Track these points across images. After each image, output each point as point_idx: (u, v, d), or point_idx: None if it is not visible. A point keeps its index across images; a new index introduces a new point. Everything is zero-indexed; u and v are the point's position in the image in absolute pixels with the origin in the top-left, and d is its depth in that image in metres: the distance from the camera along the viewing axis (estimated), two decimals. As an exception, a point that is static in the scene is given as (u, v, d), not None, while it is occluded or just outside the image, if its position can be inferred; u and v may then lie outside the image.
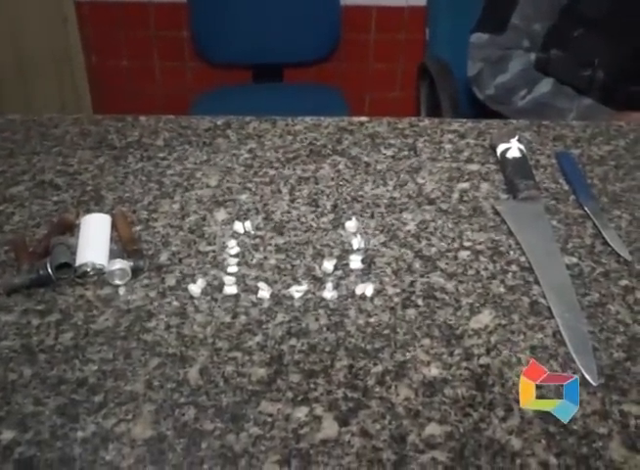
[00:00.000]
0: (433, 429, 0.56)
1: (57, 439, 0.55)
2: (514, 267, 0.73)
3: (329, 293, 0.68)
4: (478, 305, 0.68)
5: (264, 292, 0.68)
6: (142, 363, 0.61)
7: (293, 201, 0.82)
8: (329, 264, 0.71)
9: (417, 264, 0.73)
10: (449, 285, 0.70)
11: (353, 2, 2.13)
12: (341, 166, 0.88)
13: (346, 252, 0.74)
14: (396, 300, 0.68)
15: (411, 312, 0.67)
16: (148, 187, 0.84)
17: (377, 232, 0.77)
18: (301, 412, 0.57)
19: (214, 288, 0.69)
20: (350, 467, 0.53)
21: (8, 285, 0.68)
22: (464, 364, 0.62)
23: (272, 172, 0.87)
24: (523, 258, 0.74)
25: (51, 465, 0.53)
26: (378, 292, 0.69)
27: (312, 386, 0.60)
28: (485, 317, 0.67)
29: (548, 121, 1.00)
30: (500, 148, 0.89)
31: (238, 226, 0.77)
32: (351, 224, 0.77)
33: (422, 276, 0.71)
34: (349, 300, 0.68)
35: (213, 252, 0.74)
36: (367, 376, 0.61)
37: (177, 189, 0.84)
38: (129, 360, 0.62)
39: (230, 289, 0.69)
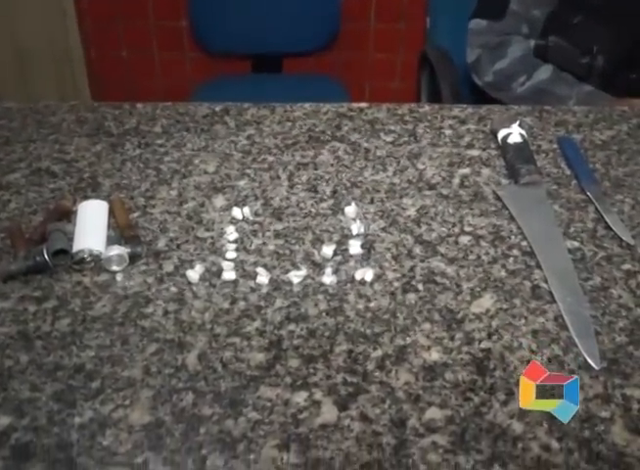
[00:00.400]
0: (433, 413, 0.56)
1: (54, 424, 0.54)
2: (515, 252, 0.72)
3: (328, 278, 0.68)
4: (479, 289, 0.67)
5: (263, 277, 0.68)
6: (140, 349, 0.61)
7: (292, 187, 0.81)
8: (328, 250, 0.71)
9: (417, 249, 0.72)
10: (450, 270, 0.70)
11: (353, -9, 2.12)
12: (340, 152, 0.87)
13: (346, 237, 0.73)
14: (396, 284, 0.68)
15: (411, 297, 0.66)
16: (145, 174, 0.83)
17: (377, 217, 0.76)
18: (300, 397, 0.57)
19: (213, 274, 0.69)
20: (350, 451, 0.53)
21: (4, 272, 0.67)
22: (465, 349, 0.61)
23: (271, 158, 0.86)
24: (524, 243, 0.73)
25: (48, 451, 0.53)
26: (378, 277, 0.69)
27: (311, 371, 0.59)
28: (487, 301, 0.66)
29: (549, 107, 0.99)
30: (501, 133, 0.88)
31: (236, 212, 0.76)
32: (351, 210, 0.76)
33: (422, 261, 0.71)
34: (349, 285, 0.68)
35: (212, 238, 0.73)
36: (367, 361, 0.60)
37: (175, 176, 0.83)
38: (127, 346, 0.61)
39: (228, 275, 0.68)
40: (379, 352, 0.61)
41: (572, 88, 1.38)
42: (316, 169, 0.84)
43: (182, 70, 2.28)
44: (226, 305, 0.65)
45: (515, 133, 0.86)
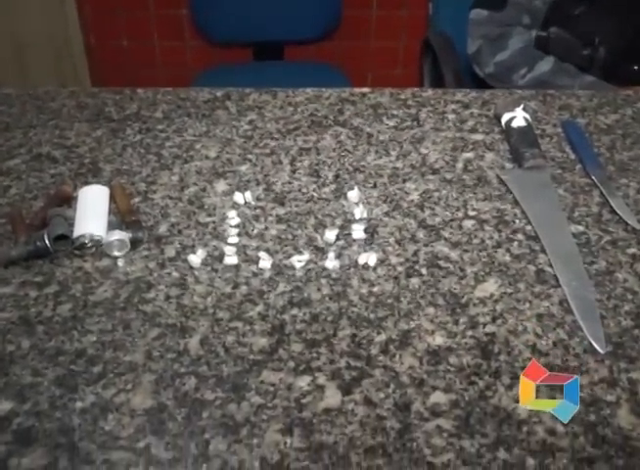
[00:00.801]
0: (437, 397, 0.55)
1: (56, 409, 0.54)
2: (519, 236, 0.71)
3: (331, 262, 0.67)
4: (483, 273, 0.67)
5: (265, 262, 0.67)
6: (141, 334, 0.60)
7: (294, 171, 0.81)
8: (331, 234, 0.70)
9: (421, 234, 0.72)
10: (454, 254, 0.69)
11: (354, -22, 2.10)
12: (342, 137, 0.87)
13: (349, 221, 0.73)
14: (400, 269, 0.67)
15: (415, 281, 0.66)
16: (146, 159, 0.82)
17: (380, 202, 0.76)
18: (304, 381, 0.56)
19: (215, 258, 0.68)
20: (354, 436, 0.52)
21: (5, 257, 0.67)
22: (469, 333, 0.61)
23: (273, 143, 0.85)
24: (528, 227, 0.72)
25: (50, 435, 0.52)
26: (381, 261, 0.68)
27: (315, 355, 0.58)
28: (491, 286, 0.65)
29: (553, 91, 0.98)
30: (505, 117, 0.87)
31: (238, 197, 0.76)
32: (354, 194, 0.76)
33: (426, 245, 0.70)
34: (352, 269, 0.67)
35: (213, 223, 0.73)
36: (370, 345, 0.59)
37: (176, 161, 0.82)
38: (128, 331, 0.61)
39: (230, 259, 0.68)
40: (382, 337, 0.60)
41: (574, 79, 1.37)
42: (318, 154, 0.83)
43: (183, 58, 2.27)
44: (228, 290, 0.65)
45: (519, 117, 0.86)
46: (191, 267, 0.67)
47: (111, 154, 0.83)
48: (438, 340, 0.60)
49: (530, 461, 0.51)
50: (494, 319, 0.62)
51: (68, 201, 0.74)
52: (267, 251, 0.69)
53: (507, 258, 0.69)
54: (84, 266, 0.67)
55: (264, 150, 0.84)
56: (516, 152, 0.82)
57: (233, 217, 0.73)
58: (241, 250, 0.69)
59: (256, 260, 0.67)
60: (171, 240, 0.70)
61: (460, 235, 0.71)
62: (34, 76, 2.15)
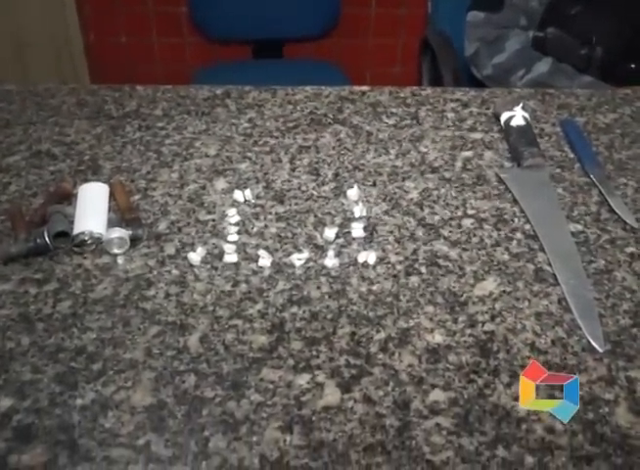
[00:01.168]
0: (436, 395, 0.55)
1: (55, 406, 0.54)
2: (518, 235, 0.72)
3: (330, 261, 0.67)
4: (482, 272, 0.67)
5: (265, 260, 0.67)
6: (141, 331, 0.61)
7: (293, 170, 0.81)
8: (330, 232, 0.70)
9: (420, 232, 0.72)
10: (453, 253, 0.69)
11: (353, -24, 2.10)
12: (342, 135, 0.87)
13: (348, 220, 0.73)
14: (399, 267, 0.67)
15: (414, 280, 0.66)
16: (146, 156, 0.82)
17: (379, 200, 0.76)
18: (303, 379, 0.56)
19: (214, 256, 0.68)
20: (353, 433, 0.53)
21: (5, 254, 0.67)
22: (468, 331, 0.61)
23: (272, 142, 0.85)
24: (527, 226, 0.73)
25: (49, 432, 0.52)
26: (380, 260, 0.68)
27: (314, 353, 0.59)
28: (490, 284, 0.66)
29: (552, 90, 0.98)
30: (504, 116, 0.87)
31: (238, 195, 0.76)
32: (353, 193, 0.76)
33: (425, 244, 0.70)
34: (351, 267, 0.67)
35: (213, 220, 0.73)
36: (370, 343, 0.60)
37: (176, 158, 0.82)
38: (128, 328, 0.61)
39: (230, 257, 0.68)
40: (382, 335, 0.60)
41: (572, 80, 1.37)
42: (318, 152, 0.84)
43: (182, 56, 2.27)
44: (228, 288, 0.65)
45: (518, 116, 0.86)
46: (191, 265, 0.67)
47: (110, 151, 0.83)
48: (438, 338, 0.60)
49: (529, 459, 0.51)
50: (493, 318, 0.62)
51: (68, 198, 0.74)
52: (267, 249, 0.69)
53: (506, 256, 0.69)
54: (84, 264, 0.67)
55: (264, 148, 0.84)
56: (515, 151, 0.83)
57: (233, 215, 0.73)
58: (240, 248, 0.69)
59: (256, 258, 0.68)
60: (171, 238, 0.71)
61: (459, 234, 0.72)
62: (35, 76, 2.14)
